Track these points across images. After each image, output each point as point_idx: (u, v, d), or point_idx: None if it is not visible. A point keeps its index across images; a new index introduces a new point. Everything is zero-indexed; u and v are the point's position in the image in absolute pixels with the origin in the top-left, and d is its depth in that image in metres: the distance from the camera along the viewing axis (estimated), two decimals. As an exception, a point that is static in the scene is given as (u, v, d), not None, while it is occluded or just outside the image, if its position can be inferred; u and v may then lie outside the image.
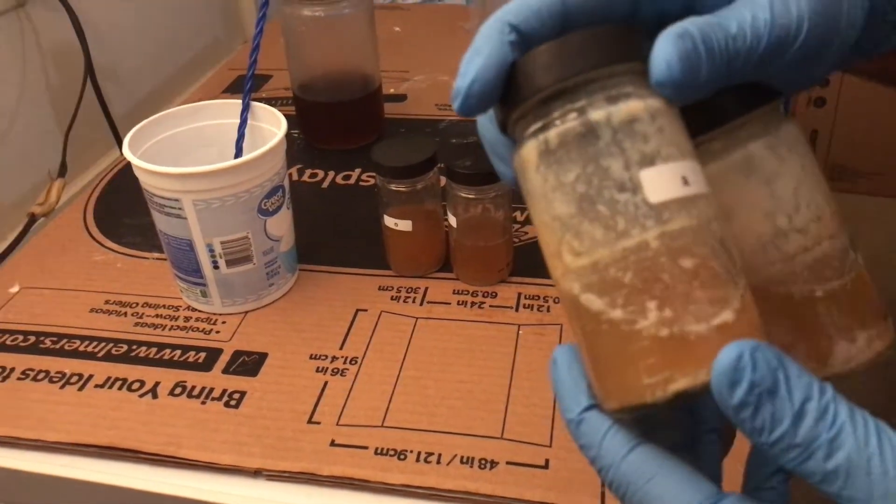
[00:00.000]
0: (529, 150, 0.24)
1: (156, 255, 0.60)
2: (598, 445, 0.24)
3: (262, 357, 0.50)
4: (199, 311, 0.54)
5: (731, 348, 0.20)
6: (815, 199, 0.27)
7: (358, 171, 0.70)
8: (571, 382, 0.25)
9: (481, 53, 0.23)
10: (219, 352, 0.51)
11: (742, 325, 0.22)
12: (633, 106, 0.23)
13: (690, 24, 0.23)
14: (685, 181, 0.22)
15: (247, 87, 0.54)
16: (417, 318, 0.53)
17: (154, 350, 0.51)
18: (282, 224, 0.53)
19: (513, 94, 0.24)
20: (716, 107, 0.26)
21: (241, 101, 0.54)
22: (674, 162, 0.23)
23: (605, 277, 0.22)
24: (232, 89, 0.85)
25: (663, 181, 0.22)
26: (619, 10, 0.25)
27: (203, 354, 0.51)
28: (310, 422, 0.45)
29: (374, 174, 0.55)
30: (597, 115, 0.23)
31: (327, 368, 0.49)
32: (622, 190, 0.22)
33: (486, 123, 0.27)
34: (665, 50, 0.22)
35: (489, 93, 0.24)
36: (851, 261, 0.27)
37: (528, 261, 0.56)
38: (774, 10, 0.23)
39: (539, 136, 0.24)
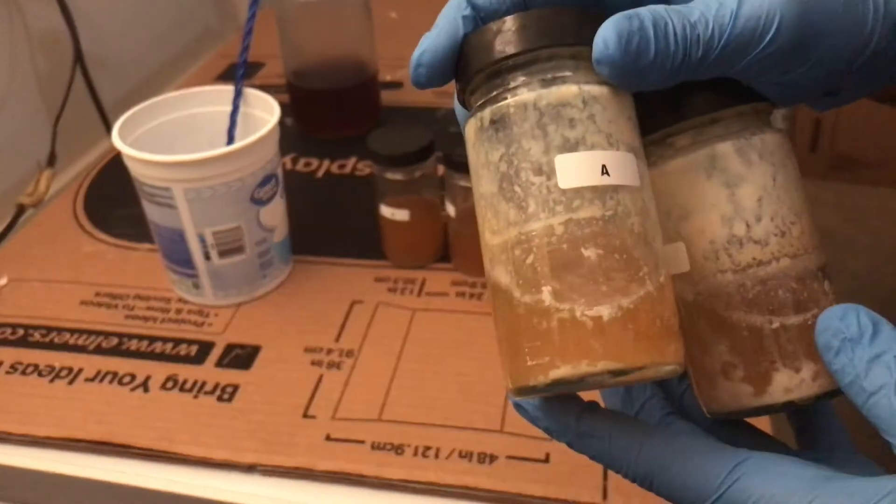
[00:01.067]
0: (470, 126, 0.24)
1: (147, 246, 0.59)
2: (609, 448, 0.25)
3: (256, 350, 0.49)
4: (191, 303, 0.53)
5: (836, 307, 0.23)
6: (782, 213, 0.25)
7: (353, 159, 0.69)
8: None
9: (436, 26, 0.24)
10: (211, 345, 0.50)
11: (637, 323, 0.22)
12: (566, 90, 0.23)
13: (647, 7, 0.23)
14: (605, 171, 0.22)
15: (239, 73, 0.53)
16: (415, 310, 0.52)
17: (145, 343, 0.50)
18: (275, 214, 0.52)
19: (462, 68, 0.24)
20: (690, 102, 0.26)
21: (233, 88, 0.53)
22: (598, 150, 0.22)
23: (512, 257, 0.23)
24: (224, 77, 0.84)
25: (579, 168, 0.22)
26: None
27: (195, 347, 0.50)
28: (305, 416, 0.44)
29: (370, 163, 0.54)
30: (528, 96, 0.23)
31: (322, 361, 0.48)
32: (538, 173, 0.22)
33: (456, 101, 0.27)
34: (606, 28, 0.22)
35: (438, 64, 0.24)
36: (815, 289, 0.25)
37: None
38: (745, 0, 0.23)
39: (478, 113, 0.24)
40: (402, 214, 0.53)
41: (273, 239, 0.53)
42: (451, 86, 0.26)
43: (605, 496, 0.39)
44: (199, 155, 0.47)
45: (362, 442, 0.43)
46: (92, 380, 0.48)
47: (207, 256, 0.51)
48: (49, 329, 0.52)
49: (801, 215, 0.26)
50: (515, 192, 0.23)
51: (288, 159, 0.69)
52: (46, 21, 0.69)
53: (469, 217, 0.53)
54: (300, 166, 0.68)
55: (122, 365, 0.49)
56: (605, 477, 0.40)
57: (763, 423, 0.28)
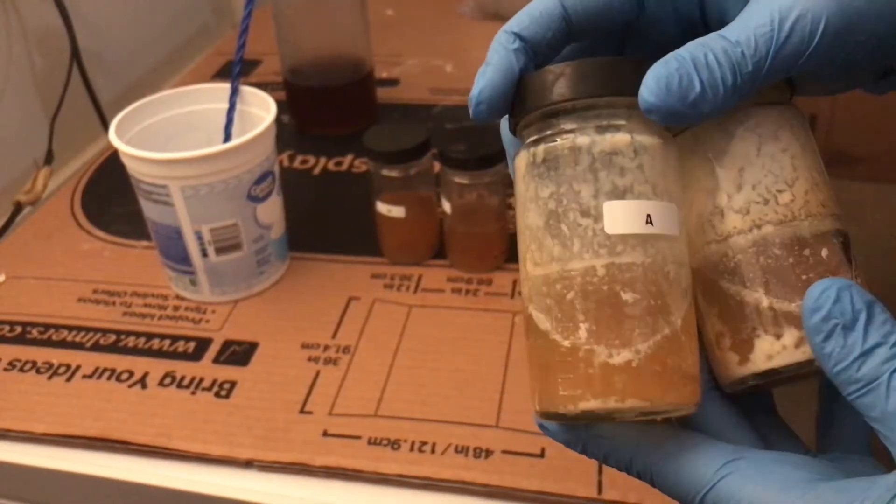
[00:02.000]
0: (521, 159, 0.26)
1: (144, 243, 0.59)
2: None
3: (253, 346, 0.49)
4: (189, 300, 0.53)
5: (823, 282, 0.23)
6: (766, 182, 0.26)
7: (350, 156, 0.69)
8: None
9: (490, 63, 0.25)
10: (208, 341, 0.50)
11: (665, 365, 0.23)
12: (619, 139, 0.24)
13: (688, 44, 0.24)
14: (649, 220, 0.23)
15: (235, 70, 0.53)
16: (411, 306, 0.52)
17: (143, 340, 0.50)
18: (272, 211, 0.52)
19: (519, 103, 0.25)
20: None
21: (229, 86, 0.53)
22: (644, 200, 0.24)
23: (552, 291, 0.24)
24: (221, 74, 0.84)
25: (625, 216, 0.23)
26: (622, 11, 0.26)
27: (193, 344, 0.50)
28: (302, 412, 0.45)
29: (366, 160, 0.54)
30: (582, 140, 0.24)
31: (319, 357, 0.48)
32: (585, 215, 0.24)
33: (505, 124, 0.28)
34: (647, 78, 0.23)
35: (497, 99, 0.25)
36: (806, 256, 0.25)
37: (524, 247, 0.55)
38: (782, 4, 0.23)
39: (531, 148, 0.25)
40: (398, 211, 0.53)
41: (270, 236, 0.53)
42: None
43: (599, 491, 0.39)
44: (195, 152, 0.47)
45: (359, 437, 0.43)
46: (90, 376, 0.48)
47: (204, 253, 0.51)
48: (47, 326, 0.52)
49: (796, 182, 0.26)
50: (562, 230, 0.24)
51: (284, 156, 0.69)
52: (43, 18, 0.69)
53: (464, 214, 0.54)
54: (297, 163, 0.68)
55: (120, 362, 0.49)
56: (600, 472, 0.40)
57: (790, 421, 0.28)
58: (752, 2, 0.24)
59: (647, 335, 0.23)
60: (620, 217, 0.23)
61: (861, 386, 0.22)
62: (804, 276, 0.25)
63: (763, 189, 0.26)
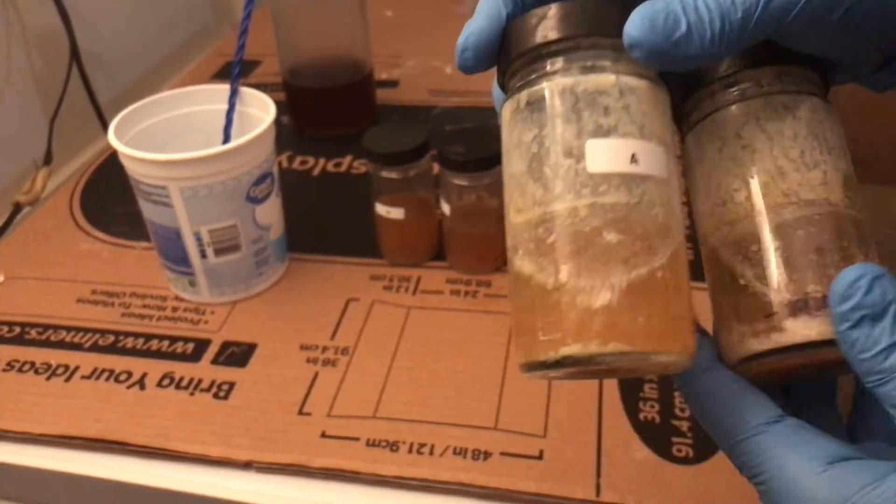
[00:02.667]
0: (506, 108, 0.25)
1: (143, 244, 0.59)
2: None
3: (252, 348, 0.49)
4: (187, 301, 0.53)
5: (856, 269, 0.22)
6: (725, 184, 0.26)
7: (349, 158, 0.69)
8: None
9: (479, 12, 0.25)
10: (207, 342, 0.50)
11: (649, 310, 0.22)
12: (604, 79, 0.23)
13: None
14: (634, 159, 0.23)
15: (234, 71, 0.53)
16: (410, 308, 0.52)
17: (141, 341, 0.50)
18: (271, 212, 0.52)
19: (504, 52, 0.25)
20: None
21: (229, 87, 0.53)
22: (629, 139, 0.23)
23: (534, 235, 0.23)
24: (221, 75, 0.84)
25: (609, 154, 0.23)
26: None
27: (191, 345, 0.50)
28: (300, 413, 0.45)
29: (365, 161, 0.54)
30: (566, 80, 0.23)
31: (318, 359, 0.48)
32: (568, 155, 0.23)
33: (495, 85, 0.27)
34: (633, 14, 0.23)
35: (484, 48, 0.25)
36: (825, 240, 0.25)
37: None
38: None
39: (515, 95, 0.24)
40: (397, 213, 0.53)
41: (269, 237, 0.53)
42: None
43: (598, 493, 0.39)
44: (195, 153, 0.47)
45: (357, 439, 0.43)
46: (88, 377, 0.48)
47: (203, 255, 0.51)
48: (45, 327, 0.52)
49: (817, 167, 0.25)
50: (544, 172, 0.23)
51: (284, 157, 0.69)
52: (42, 18, 0.69)
53: (463, 215, 0.54)
54: (296, 164, 0.68)
55: (119, 363, 0.49)
56: (599, 474, 0.40)
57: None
58: None
59: (632, 277, 0.22)
60: (603, 155, 0.23)
61: (883, 376, 0.22)
62: (823, 261, 0.24)
63: (724, 192, 0.26)
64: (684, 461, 0.41)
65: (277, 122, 0.51)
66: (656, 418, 0.43)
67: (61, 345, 0.50)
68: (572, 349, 0.22)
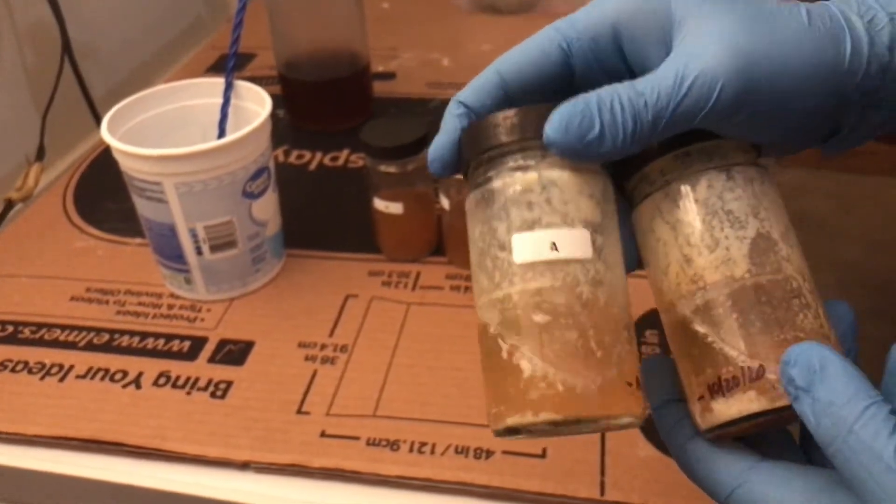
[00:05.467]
0: (466, 204, 0.29)
1: (138, 240, 0.58)
2: None
3: (249, 345, 0.49)
4: (183, 298, 0.53)
5: (795, 347, 0.23)
6: (652, 272, 0.28)
7: (346, 151, 0.68)
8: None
9: (442, 129, 0.29)
10: (204, 340, 0.49)
11: (580, 380, 0.24)
12: (528, 177, 0.26)
13: (601, 88, 0.26)
14: (554, 247, 0.26)
15: (229, 65, 0.52)
16: (409, 304, 0.51)
17: (137, 339, 0.50)
18: (267, 207, 0.52)
19: (460, 158, 0.29)
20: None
21: (224, 80, 0.52)
22: (552, 229, 0.26)
23: (486, 318, 0.27)
24: (215, 68, 0.83)
25: (531, 245, 0.26)
26: (554, 78, 0.29)
27: (188, 343, 0.49)
28: (299, 412, 0.44)
29: (363, 155, 0.53)
30: (496, 183, 0.27)
31: (316, 357, 0.48)
32: (502, 249, 0.26)
33: None
34: (553, 113, 0.25)
35: (446, 158, 0.29)
36: (768, 309, 0.26)
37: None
38: (688, 64, 0.25)
39: (469, 195, 0.28)
40: (395, 207, 0.53)
41: (265, 233, 0.52)
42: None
43: (602, 492, 0.39)
44: (189, 149, 0.46)
45: (357, 438, 0.42)
46: (83, 377, 0.47)
47: (199, 251, 0.50)
48: (39, 325, 0.51)
49: (667, 271, 0.28)
50: (487, 264, 0.27)
51: (280, 151, 0.68)
52: (33, 11, 0.68)
53: (463, 210, 0.53)
54: (292, 158, 0.68)
55: (114, 361, 0.48)
56: (602, 472, 0.40)
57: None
58: (666, 60, 0.26)
59: (561, 353, 0.25)
60: (526, 247, 0.26)
61: (826, 445, 0.22)
62: (728, 341, 0.26)
63: (686, 259, 0.27)
64: (689, 459, 0.40)
65: (273, 115, 0.50)
66: (660, 415, 0.43)
67: (55, 344, 0.49)
68: (511, 420, 0.25)
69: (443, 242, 0.55)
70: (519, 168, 0.27)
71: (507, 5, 0.91)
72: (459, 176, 0.30)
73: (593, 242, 0.26)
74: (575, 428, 0.25)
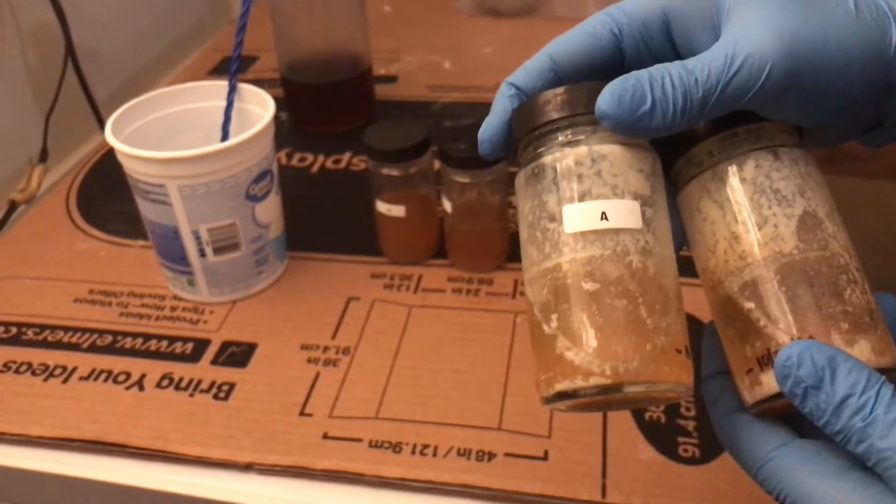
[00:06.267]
0: (517, 180, 0.29)
1: (141, 242, 0.58)
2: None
3: (252, 348, 0.49)
4: (186, 300, 0.53)
5: (787, 348, 0.25)
6: (699, 251, 0.29)
7: (349, 154, 0.68)
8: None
9: (492, 110, 0.30)
10: (206, 342, 0.49)
11: (628, 346, 0.25)
12: (578, 151, 0.27)
13: (650, 67, 0.26)
14: (604, 216, 0.26)
15: (233, 68, 0.52)
16: (412, 307, 0.51)
17: (140, 341, 0.50)
18: (270, 210, 0.52)
19: (511, 136, 0.30)
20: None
21: (227, 83, 0.53)
22: (602, 200, 0.26)
23: (535, 289, 0.27)
24: (218, 71, 0.83)
25: (581, 216, 0.26)
26: (604, 62, 0.29)
27: (190, 345, 0.49)
28: (301, 414, 0.44)
29: (365, 158, 0.54)
30: (547, 158, 0.28)
31: (319, 359, 0.48)
32: (552, 221, 0.27)
33: None
34: (605, 90, 0.26)
35: (496, 139, 0.30)
36: (813, 287, 0.26)
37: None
38: (738, 44, 0.26)
39: (519, 171, 0.29)
40: (398, 210, 0.53)
41: (268, 235, 0.52)
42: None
43: (603, 494, 0.39)
44: (193, 151, 0.46)
45: (359, 440, 0.42)
46: (86, 378, 0.47)
47: (202, 253, 0.50)
48: (42, 327, 0.51)
49: (715, 249, 0.28)
50: (537, 236, 0.27)
51: (282, 154, 0.69)
52: (37, 14, 0.68)
53: (465, 212, 0.53)
54: (295, 161, 0.68)
55: (117, 363, 0.48)
56: (604, 475, 0.40)
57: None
58: (717, 42, 0.27)
59: (610, 320, 0.25)
60: (577, 217, 0.26)
61: (843, 435, 0.24)
62: (779, 314, 0.26)
63: (734, 237, 0.27)
64: (690, 461, 0.40)
65: (276, 118, 0.51)
66: (662, 418, 0.43)
67: (59, 345, 0.50)
68: (562, 385, 0.25)
69: (445, 245, 0.55)
70: (569, 143, 0.27)
71: (508, 8, 0.91)
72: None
73: (643, 214, 0.26)
74: (624, 397, 0.25)
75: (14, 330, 0.51)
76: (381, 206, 0.53)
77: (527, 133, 0.28)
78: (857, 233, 0.29)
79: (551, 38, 0.30)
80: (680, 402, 0.44)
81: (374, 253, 0.56)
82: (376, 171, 0.52)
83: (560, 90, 0.27)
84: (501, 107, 0.29)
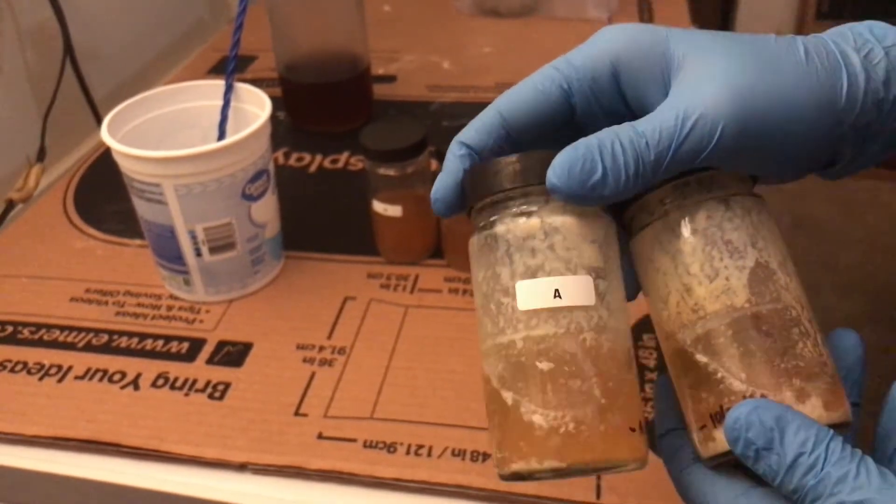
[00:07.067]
0: (470, 246, 0.29)
1: (138, 242, 0.58)
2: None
3: (247, 347, 0.49)
4: (182, 299, 0.53)
5: (735, 409, 0.24)
6: (653, 302, 0.29)
7: (346, 154, 0.68)
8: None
9: (444, 168, 0.29)
10: (202, 342, 0.49)
11: (583, 427, 0.25)
12: (531, 224, 0.27)
13: (601, 131, 0.26)
14: (557, 294, 0.26)
15: (230, 67, 0.52)
16: (408, 307, 0.51)
17: (136, 340, 0.50)
18: (267, 209, 0.52)
19: (464, 200, 0.29)
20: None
21: (224, 83, 0.53)
22: (555, 276, 0.26)
23: (490, 362, 0.27)
24: (217, 70, 0.83)
25: (534, 292, 0.26)
26: (555, 117, 0.29)
27: (186, 345, 0.49)
28: (296, 414, 0.44)
29: (362, 158, 0.53)
30: (500, 229, 0.27)
31: (314, 359, 0.48)
32: (506, 295, 0.27)
33: None
34: (554, 161, 0.26)
35: (449, 199, 0.29)
36: (761, 338, 0.26)
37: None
38: (689, 104, 0.25)
39: (473, 237, 0.29)
40: (394, 210, 0.53)
41: (264, 235, 0.52)
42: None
43: (598, 495, 0.39)
44: (189, 151, 0.46)
45: (354, 440, 0.42)
46: (82, 377, 0.47)
47: (198, 253, 0.50)
48: (38, 326, 0.51)
49: (668, 301, 0.28)
50: (491, 308, 0.27)
51: (280, 153, 0.68)
52: (35, 13, 0.68)
53: (462, 214, 0.53)
54: (292, 160, 0.68)
55: (113, 362, 0.48)
56: (599, 476, 0.40)
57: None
58: (666, 100, 0.26)
59: (564, 398, 0.25)
60: (530, 294, 0.26)
61: (798, 494, 0.24)
62: (729, 370, 0.26)
63: (686, 289, 0.27)
64: (685, 463, 0.40)
65: (273, 117, 0.51)
66: (657, 419, 0.43)
67: (54, 344, 0.50)
68: (516, 466, 0.25)
69: (441, 245, 0.55)
70: (522, 214, 0.27)
71: (507, 8, 0.91)
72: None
73: (596, 288, 0.26)
74: (580, 473, 0.26)
75: (10, 329, 0.51)
76: (378, 206, 0.53)
77: (479, 200, 0.28)
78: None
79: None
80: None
81: (371, 253, 0.56)
82: (373, 171, 0.52)
83: (512, 158, 0.27)
84: (454, 167, 0.29)
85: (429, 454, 0.41)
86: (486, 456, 0.41)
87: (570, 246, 0.26)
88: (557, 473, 0.25)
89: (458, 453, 0.41)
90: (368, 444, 0.42)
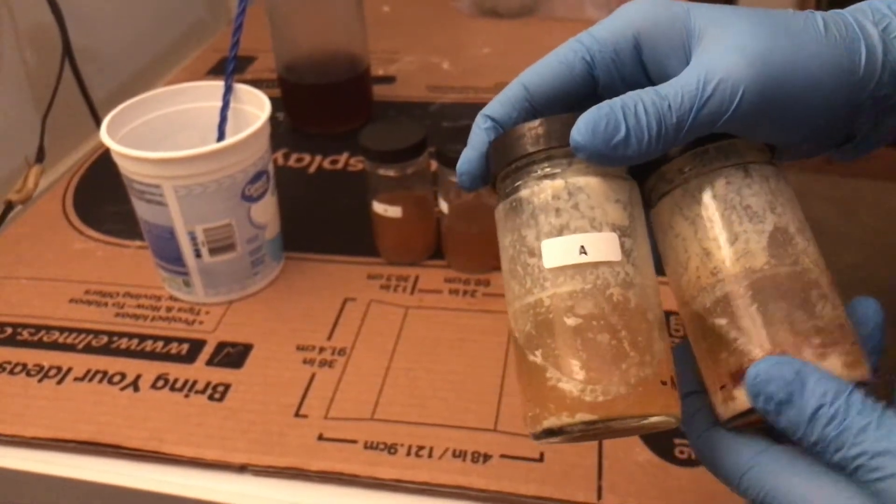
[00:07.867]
0: (496, 214, 0.29)
1: (138, 243, 0.58)
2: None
3: (247, 348, 0.49)
4: (182, 300, 0.53)
5: (755, 365, 0.25)
6: (673, 267, 0.29)
7: (346, 155, 0.68)
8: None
9: (469, 143, 0.30)
10: (202, 343, 0.49)
11: (611, 380, 0.25)
12: (555, 185, 0.27)
13: (623, 95, 0.26)
14: (583, 250, 0.26)
15: (229, 68, 0.52)
16: (408, 308, 0.51)
17: (135, 342, 0.50)
18: (266, 211, 0.52)
19: (488, 170, 0.30)
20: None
21: (223, 83, 0.53)
22: (580, 233, 0.26)
23: (518, 323, 0.27)
24: (216, 71, 0.83)
25: (560, 250, 0.26)
26: (578, 90, 0.29)
27: (186, 346, 0.49)
28: (297, 415, 0.44)
29: (362, 159, 0.53)
30: (524, 192, 0.28)
31: (314, 360, 0.48)
32: (532, 255, 0.27)
33: None
34: (578, 121, 0.26)
35: (474, 171, 0.30)
36: (776, 303, 0.26)
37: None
38: (710, 69, 0.26)
39: (498, 205, 0.29)
40: (394, 211, 0.53)
41: (264, 236, 0.52)
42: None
43: (599, 496, 0.39)
44: (189, 152, 0.46)
45: (355, 441, 0.42)
46: (81, 379, 0.47)
47: (198, 254, 0.50)
48: (38, 327, 0.51)
49: (687, 265, 0.28)
50: (518, 271, 0.27)
51: (280, 154, 0.68)
52: (34, 14, 0.68)
53: (462, 213, 0.53)
54: (292, 161, 0.68)
55: (112, 364, 0.48)
56: (600, 476, 0.40)
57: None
58: (689, 66, 0.27)
59: (593, 354, 0.25)
60: (556, 252, 0.26)
61: (819, 446, 0.24)
62: (750, 330, 0.26)
63: (705, 253, 0.28)
64: (686, 463, 0.40)
65: (273, 118, 0.50)
66: (658, 420, 0.43)
67: (54, 346, 0.50)
68: (548, 423, 0.26)
69: (441, 246, 0.55)
70: (546, 176, 0.27)
71: (507, 9, 0.91)
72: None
73: (622, 245, 0.27)
74: (612, 429, 0.26)
75: (9, 330, 0.51)
76: (378, 207, 0.53)
77: (503, 167, 0.28)
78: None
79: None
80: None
81: (371, 254, 0.56)
82: (373, 172, 0.52)
83: (535, 123, 0.27)
84: (478, 140, 0.30)
85: (429, 455, 0.41)
86: (487, 457, 0.41)
87: (594, 205, 0.27)
88: (589, 428, 0.25)
89: (459, 454, 0.41)
90: (369, 446, 0.42)
